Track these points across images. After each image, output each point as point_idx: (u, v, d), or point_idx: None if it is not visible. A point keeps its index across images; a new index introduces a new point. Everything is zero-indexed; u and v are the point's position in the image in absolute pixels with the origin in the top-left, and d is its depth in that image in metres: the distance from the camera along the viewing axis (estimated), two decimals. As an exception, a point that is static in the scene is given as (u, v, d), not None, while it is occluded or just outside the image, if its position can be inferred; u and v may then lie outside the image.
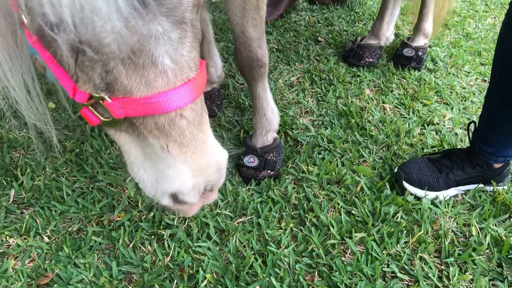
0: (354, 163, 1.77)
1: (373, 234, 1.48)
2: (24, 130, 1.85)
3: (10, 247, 1.43)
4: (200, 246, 1.44)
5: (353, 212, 1.56)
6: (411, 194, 1.62)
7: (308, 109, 2.09)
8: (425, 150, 1.85)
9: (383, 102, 2.14)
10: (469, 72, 2.41)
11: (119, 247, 1.43)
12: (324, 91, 2.20)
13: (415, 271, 1.38)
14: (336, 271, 1.38)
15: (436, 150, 1.86)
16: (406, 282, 1.37)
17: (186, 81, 0.71)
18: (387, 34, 2.47)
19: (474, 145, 1.64)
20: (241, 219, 1.55)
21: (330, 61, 2.42)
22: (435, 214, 1.57)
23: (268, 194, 1.62)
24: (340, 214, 1.55)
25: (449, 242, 1.47)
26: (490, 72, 1.61)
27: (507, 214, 1.57)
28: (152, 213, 1.53)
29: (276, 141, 1.73)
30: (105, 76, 0.69)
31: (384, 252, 1.44)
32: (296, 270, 1.38)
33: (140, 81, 0.68)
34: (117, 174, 1.67)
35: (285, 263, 1.41)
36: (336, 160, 1.78)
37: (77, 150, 1.76)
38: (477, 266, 1.39)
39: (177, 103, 0.70)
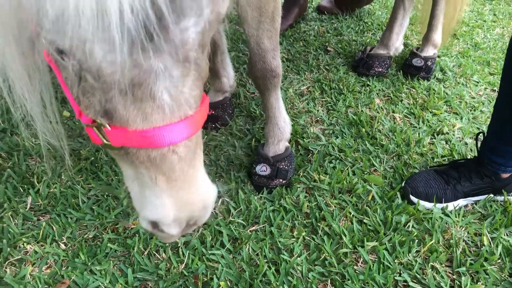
0: (365, 172, 1.79)
1: (385, 243, 1.50)
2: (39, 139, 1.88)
3: (28, 254, 1.46)
4: (214, 254, 1.46)
5: (364, 221, 1.58)
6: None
7: (318, 118, 2.11)
8: (435, 160, 1.87)
9: (393, 112, 2.16)
10: (478, 82, 2.43)
11: (134, 254, 1.45)
12: (334, 100, 2.23)
13: (427, 280, 1.39)
14: (348, 279, 1.39)
15: (446, 160, 1.88)
16: (418, 291, 1.38)
17: (183, 118, 0.71)
18: (397, 44, 2.50)
19: (482, 155, 1.65)
20: (253, 227, 1.57)
21: (340, 71, 2.45)
22: (446, 223, 1.59)
23: (280, 202, 1.64)
24: (352, 223, 1.57)
25: (460, 252, 1.48)
26: (499, 82, 1.63)
27: (518, 224, 1.58)
28: (166, 221, 1.55)
29: (288, 150, 1.75)
30: (104, 103, 0.70)
31: (396, 261, 1.45)
32: (309, 278, 1.40)
33: (137, 113, 0.69)
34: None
35: (298, 272, 1.42)
36: (347, 169, 1.80)
37: (92, 158, 1.79)
38: (489, 276, 1.41)
39: (171, 139, 0.71)
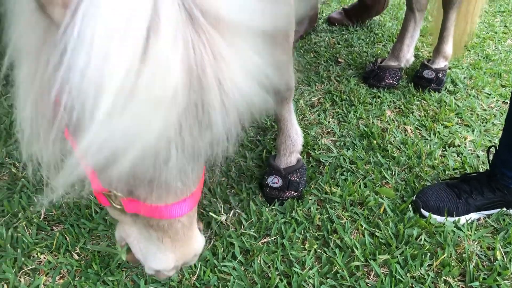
0: (377, 185, 1.79)
1: (397, 256, 1.49)
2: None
3: (41, 263, 1.47)
4: (225, 266, 1.46)
5: (376, 234, 1.58)
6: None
7: (329, 130, 2.12)
8: (447, 173, 1.87)
9: (404, 124, 2.16)
10: (489, 94, 2.42)
11: (146, 265, 1.46)
12: (345, 112, 2.23)
13: (439, 295, 1.38)
14: (360, 293, 1.39)
15: (458, 173, 1.87)
16: (431, 306, 1.37)
17: (189, 196, 0.83)
18: (408, 56, 2.50)
19: (494, 169, 1.65)
20: (265, 239, 1.57)
21: (351, 82, 2.46)
22: (458, 237, 1.58)
23: (292, 214, 1.65)
24: (364, 236, 1.57)
25: (473, 266, 1.47)
26: (511, 94, 1.62)
27: (532, 239, 1.57)
28: (178, 232, 1.56)
29: (300, 162, 1.75)
30: (125, 187, 0.79)
31: (408, 274, 1.45)
32: (321, 291, 1.40)
33: (153, 194, 0.79)
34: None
35: (310, 285, 1.42)
36: (359, 181, 1.80)
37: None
38: (502, 291, 1.40)
39: (179, 213, 0.84)
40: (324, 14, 3.36)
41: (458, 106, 2.31)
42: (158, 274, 0.99)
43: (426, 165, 1.90)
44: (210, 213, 1.62)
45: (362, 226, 1.61)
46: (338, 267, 1.46)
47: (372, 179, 1.81)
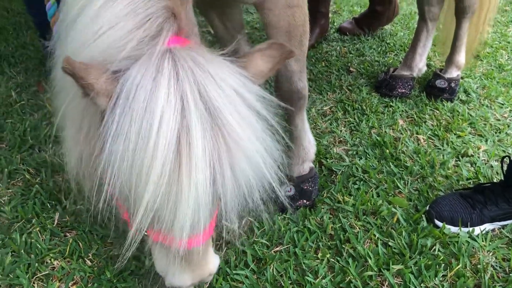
0: (390, 194, 1.78)
1: (411, 267, 1.48)
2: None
3: (55, 269, 1.48)
4: (238, 274, 1.46)
5: (390, 243, 1.57)
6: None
7: (341, 139, 2.11)
8: (460, 183, 1.85)
9: (417, 133, 2.15)
10: (503, 104, 2.41)
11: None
12: (357, 121, 2.23)
13: (454, 306, 1.37)
14: (374, 303, 1.38)
15: (472, 183, 1.85)
16: (446, 317, 1.36)
17: (207, 228, 0.96)
18: (420, 66, 2.50)
19: (509, 179, 1.63)
20: (277, 248, 1.56)
21: (363, 91, 2.45)
22: (473, 247, 1.56)
23: (304, 223, 1.64)
24: (377, 246, 1.56)
25: (488, 277, 1.45)
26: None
27: (548, 250, 1.55)
28: (190, 240, 1.56)
29: (312, 171, 1.75)
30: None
31: (422, 285, 1.43)
32: (334, 301, 1.39)
33: (173, 229, 0.91)
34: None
35: (323, 294, 1.41)
36: (372, 190, 1.79)
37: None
38: (518, 303, 1.38)
39: (197, 244, 0.97)
40: (335, 24, 3.37)
41: (471, 115, 2.29)
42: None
43: (439, 175, 1.88)
44: (222, 221, 1.61)
45: (375, 235, 1.60)
46: (351, 276, 1.45)
47: (385, 188, 1.80)
